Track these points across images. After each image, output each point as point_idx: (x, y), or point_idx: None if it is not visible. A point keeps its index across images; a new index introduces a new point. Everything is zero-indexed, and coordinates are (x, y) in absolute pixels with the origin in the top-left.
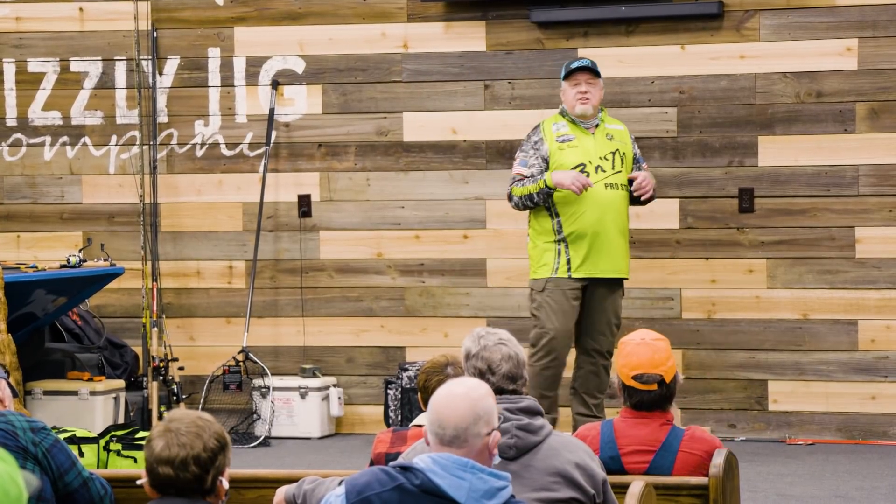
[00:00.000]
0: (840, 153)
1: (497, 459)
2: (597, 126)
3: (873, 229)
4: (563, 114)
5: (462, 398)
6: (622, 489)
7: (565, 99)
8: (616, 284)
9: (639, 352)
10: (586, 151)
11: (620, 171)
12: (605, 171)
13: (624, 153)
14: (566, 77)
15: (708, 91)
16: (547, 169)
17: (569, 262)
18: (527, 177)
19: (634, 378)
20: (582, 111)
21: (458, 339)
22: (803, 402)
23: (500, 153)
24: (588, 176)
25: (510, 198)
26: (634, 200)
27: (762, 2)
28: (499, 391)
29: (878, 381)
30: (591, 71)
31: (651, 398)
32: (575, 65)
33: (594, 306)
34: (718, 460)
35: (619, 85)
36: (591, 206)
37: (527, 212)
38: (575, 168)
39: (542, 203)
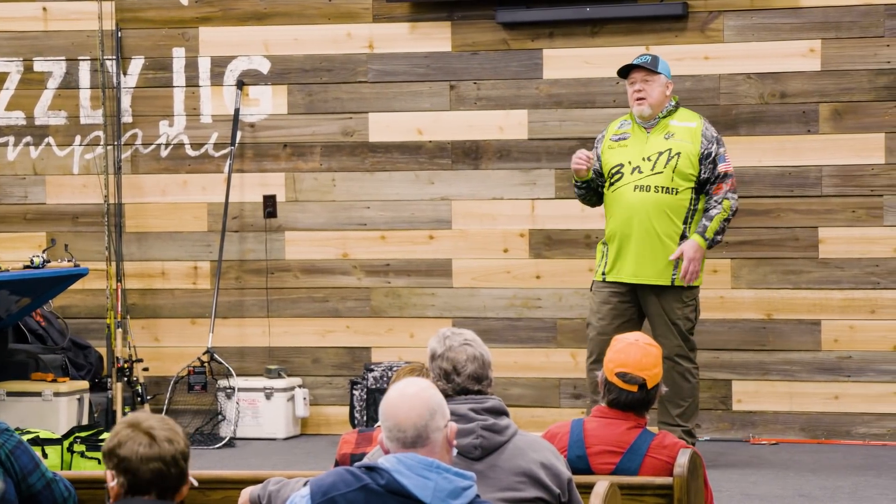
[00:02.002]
0: (803, 154)
1: (455, 451)
2: (656, 125)
3: (836, 230)
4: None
5: (414, 397)
6: (587, 489)
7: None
8: (664, 289)
9: (629, 351)
10: (630, 152)
11: (661, 173)
12: (641, 173)
13: (678, 153)
14: (623, 77)
15: (673, 92)
16: (601, 167)
17: (606, 264)
18: None
19: (618, 375)
20: (638, 112)
21: (424, 340)
22: (767, 402)
23: (466, 153)
24: (622, 178)
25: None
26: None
27: (726, 3)
28: (464, 391)
29: (841, 381)
30: (647, 68)
31: (629, 399)
32: (636, 61)
33: (647, 310)
34: (683, 460)
35: (585, 85)
36: (618, 208)
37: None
38: (612, 169)
39: (586, 197)
